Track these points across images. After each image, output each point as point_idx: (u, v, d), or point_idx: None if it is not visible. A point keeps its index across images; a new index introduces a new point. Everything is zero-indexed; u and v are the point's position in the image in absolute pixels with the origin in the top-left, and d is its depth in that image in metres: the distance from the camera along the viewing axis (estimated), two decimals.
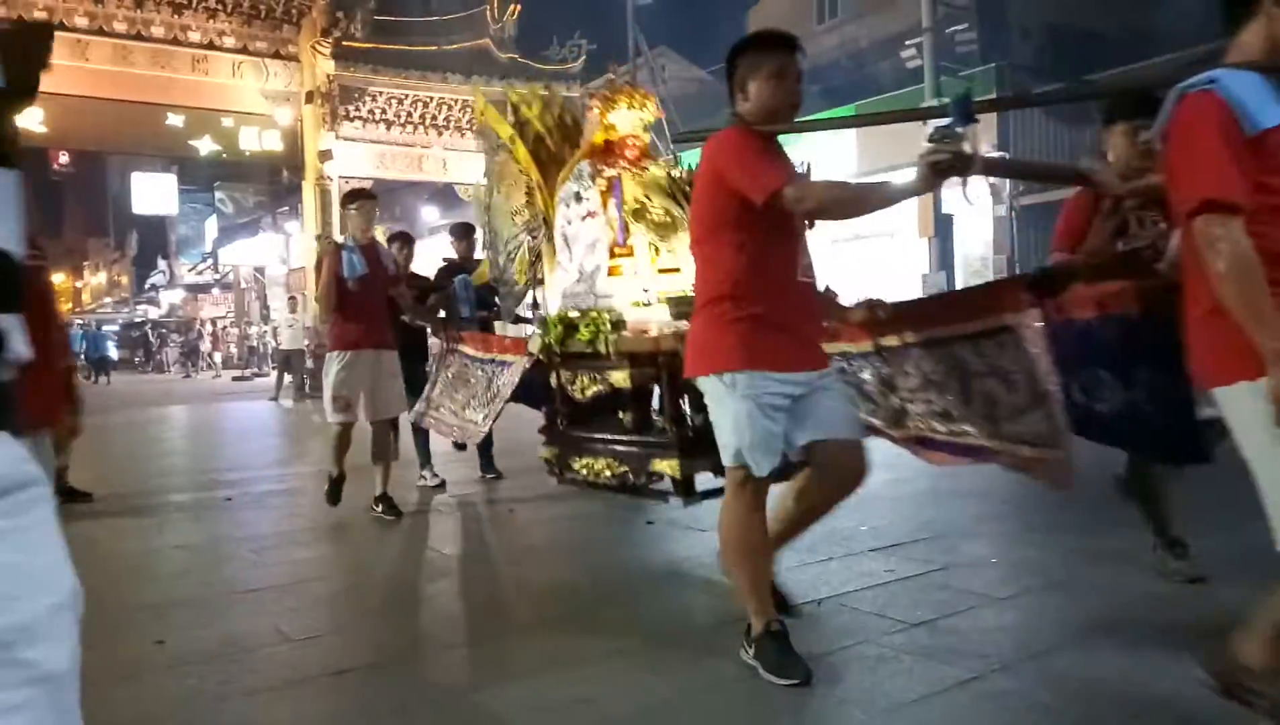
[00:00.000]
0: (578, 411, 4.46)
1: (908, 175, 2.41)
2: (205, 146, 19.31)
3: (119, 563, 4.43)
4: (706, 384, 2.72)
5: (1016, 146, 13.63)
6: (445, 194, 22.10)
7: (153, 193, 31.28)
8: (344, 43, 18.32)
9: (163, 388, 23.27)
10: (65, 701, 0.81)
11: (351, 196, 5.61)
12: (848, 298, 3.27)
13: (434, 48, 19.28)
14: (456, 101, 19.95)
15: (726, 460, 2.69)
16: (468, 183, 19.55)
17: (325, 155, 18.64)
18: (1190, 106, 1.99)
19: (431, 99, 19.79)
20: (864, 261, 16.97)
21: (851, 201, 2.66)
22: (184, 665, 2.94)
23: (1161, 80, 2.20)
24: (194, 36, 17.79)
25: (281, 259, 24.09)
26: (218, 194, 31.22)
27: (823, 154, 15.63)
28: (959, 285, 13.77)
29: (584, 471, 4.36)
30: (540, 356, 4.45)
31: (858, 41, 22.09)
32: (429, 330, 6.05)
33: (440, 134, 20.10)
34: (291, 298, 18.71)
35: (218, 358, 32.14)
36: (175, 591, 3.89)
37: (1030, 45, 18.15)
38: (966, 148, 2.31)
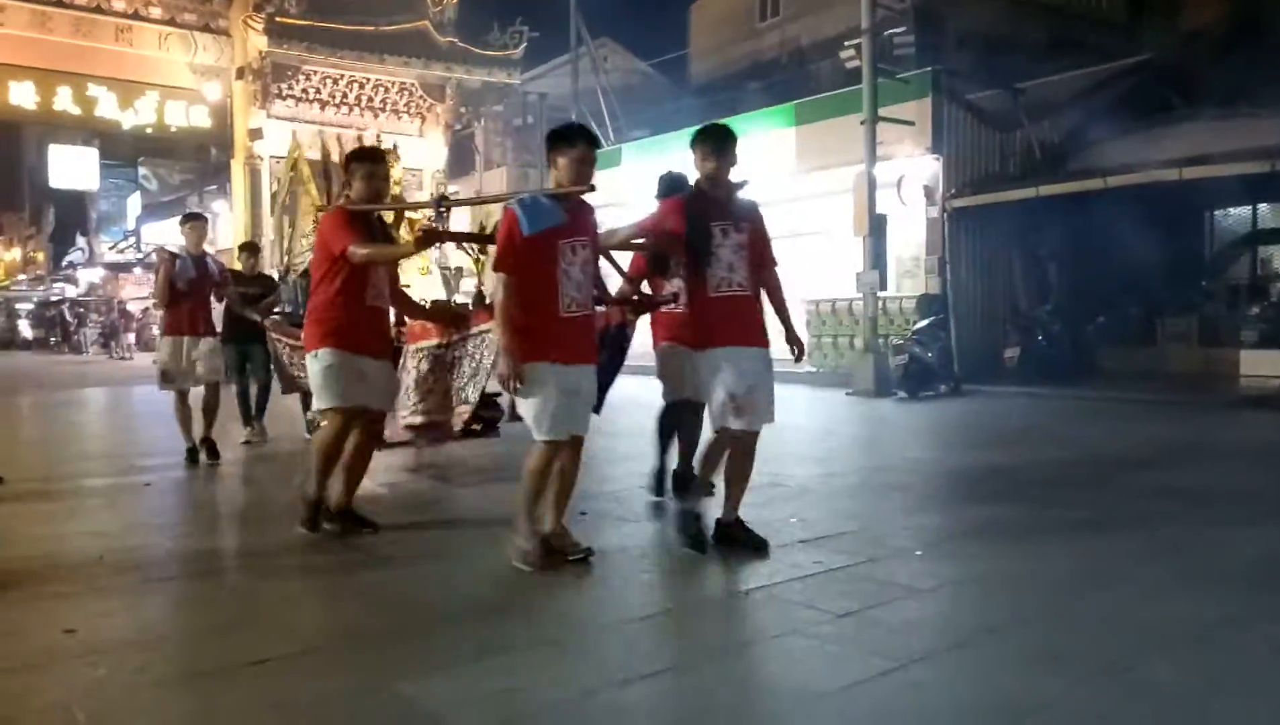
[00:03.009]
0: None
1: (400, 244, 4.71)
2: (129, 120, 18.63)
3: (29, 548, 4.24)
4: (309, 357, 4.34)
5: (950, 146, 13.90)
6: None
7: (72, 167, 30.01)
8: (277, 19, 17.80)
9: (79, 369, 22.41)
10: None
11: (185, 218, 7.29)
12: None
13: (371, 28, 18.87)
14: (394, 84, 19.62)
15: (317, 403, 4.43)
16: (403, 167, 19.23)
17: (255, 134, 18.15)
18: (505, 214, 3.74)
19: (368, 80, 19.41)
20: (799, 258, 17.15)
21: (377, 257, 4.26)
22: (95, 654, 2.83)
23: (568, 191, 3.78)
24: (118, 5, 17.15)
25: (208, 239, 23.39)
26: (141, 170, 30.19)
27: (767, 151, 15.75)
28: (891, 284, 14.01)
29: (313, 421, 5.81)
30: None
31: (798, 40, 22.32)
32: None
33: (376, 116, 19.71)
34: None
35: (130, 339, 30.83)
36: (88, 579, 3.74)
37: (966, 52, 18.55)
38: (439, 225, 4.56)
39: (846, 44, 13.86)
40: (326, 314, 4.28)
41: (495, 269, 3.75)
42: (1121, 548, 4.07)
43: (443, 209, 4.50)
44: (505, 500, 5.25)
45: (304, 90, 18.88)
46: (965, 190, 13.87)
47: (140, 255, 34.45)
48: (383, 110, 19.74)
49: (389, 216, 6.09)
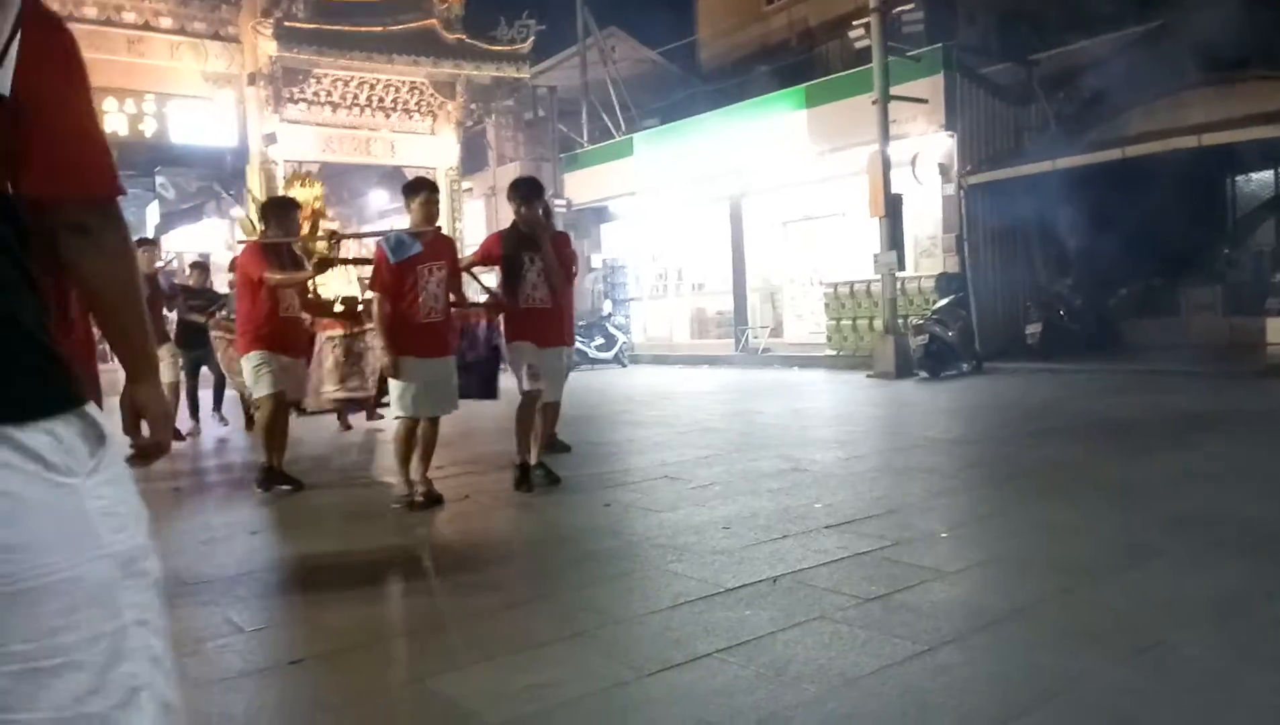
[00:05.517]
0: None
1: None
2: (146, 130, 18.77)
3: None
4: (244, 359, 5.66)
5: (964, 122, 13.78)
6: (394, 177, 21.70)
7: None
8: (286, 23, 17.83)
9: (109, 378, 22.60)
10: (163, 601, 1.13)
11: (138, 242, 8.15)
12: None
13: (379, 28, 18.88)
14: (404, 84, 19.61)
15: (255, 393, 5.71)
16: (416, 166, 19.26)
17: (269, 139, 18.22)
18: (376, 248, 5.04)
19: (378, 81, 19.41)
20: (815, 240, 17.08)
21: (286, 282, 5.53)
22: None
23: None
24: (128, 17, 17.24)
25: (227, 245, 23.57)
26: (159, 179, 30.29)
27: (780, 135, 15.67)
28: (909, 264, 13.93)
29: None
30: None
31: (806, 21, 22.14)
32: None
33: (388, 116, 19.74)
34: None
35: None
36: None
37: (976, 27, 18.36)
38: (332, 255, 6.71)
39: (855, 23, 13.74)
40: (251, 325, 5.57)
41: (371, 288, 5.18)
42: (1151, 522, 4.05)
43: (335, 240, 6.51)
44: (528, 501, 5.30)
45: (314, 93, 18.91)
46: (981, 166, 13.75)
47: (161, 263, 34.67)
48: (394, 110, 19.76)
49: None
